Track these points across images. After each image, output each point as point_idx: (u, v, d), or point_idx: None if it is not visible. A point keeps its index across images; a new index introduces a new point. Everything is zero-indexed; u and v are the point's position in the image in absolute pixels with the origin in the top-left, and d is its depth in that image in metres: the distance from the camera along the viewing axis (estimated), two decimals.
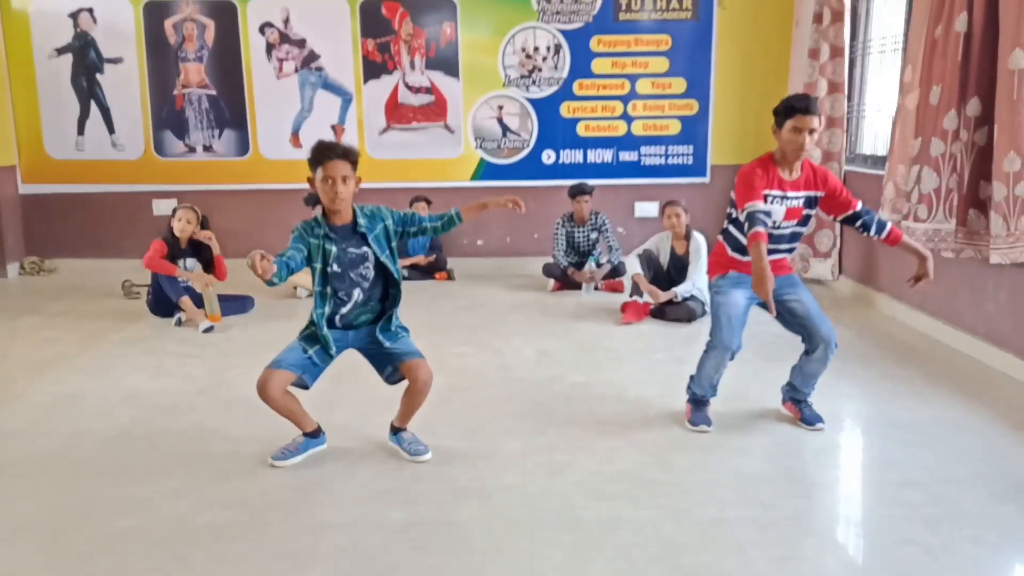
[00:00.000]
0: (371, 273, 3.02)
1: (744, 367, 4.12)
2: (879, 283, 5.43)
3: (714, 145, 6.78)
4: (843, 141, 5.82)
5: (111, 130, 6.71)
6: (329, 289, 3.00)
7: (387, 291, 3.10)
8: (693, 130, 6.75)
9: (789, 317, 3.31)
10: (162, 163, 6.77)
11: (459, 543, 2.53)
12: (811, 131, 3.08)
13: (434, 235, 3.21)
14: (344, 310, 3.04)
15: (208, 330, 4.96)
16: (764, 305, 3.20)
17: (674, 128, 6.76)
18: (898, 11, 5.34)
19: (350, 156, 2.91)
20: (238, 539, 2.57)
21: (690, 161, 6.80)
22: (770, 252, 3.19)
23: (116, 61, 6.61)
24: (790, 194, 3.17)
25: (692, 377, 3.44)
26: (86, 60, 6.60)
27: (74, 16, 6.53)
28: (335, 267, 2.96)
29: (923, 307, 4.84)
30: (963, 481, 2.90)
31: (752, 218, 3.06)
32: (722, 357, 3.29)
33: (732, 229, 3.29)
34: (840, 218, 3.24)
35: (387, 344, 3.05)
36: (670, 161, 6.81)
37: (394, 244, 3.07)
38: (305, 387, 3.06)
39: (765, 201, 3.12)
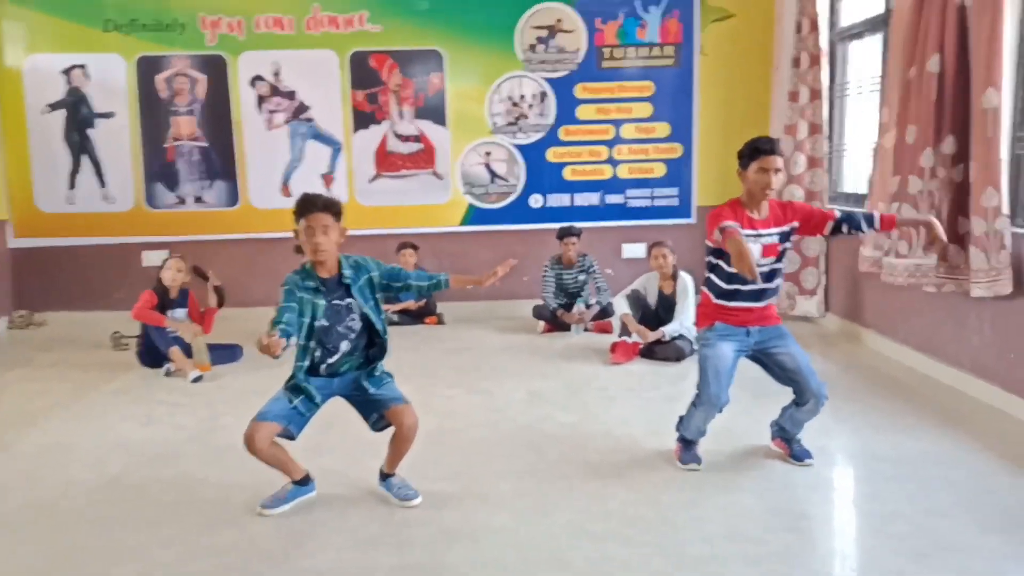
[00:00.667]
0: (357, 325, 3.06)
1: (733, 404, 4.11)
2: (865, 319, 5.49)
3: (699, 186, 6.89)
4: (825, 180, 5.93)
5: (102, 183, 6.78)
6: (314, 342, 3.02)
7: (371, 341, 3.12)
8: (678, 172, 6.87)
9: (779, 371, 3.34)
10: (153, 215, 6.83)
11: None
12: (776, 170, 3.16)
13: (417, 295, 3.26)
14: (331, 360, 3.07)
15: (197, 379, 4.97)
16: (753, 356, 3.25)
17: (659, 171, 6.87)
18: (875, 53, 5.49)
19: (332, 208, 2.96)
20: None
21: (676, 203, 6.90)
22: (753, 296, 3.26)
23: (108, 116, 6.70)
24: (762, 232, 3.23)
25: (681, 419, 3.46)
26: (78, 115, 6.69)
27: (67, 72, 6.64)
28: (323, 321, 2.98)
29: (908, 342, 4.89)
30: (948, 512, 2.91)
31: (723, 228, 3.05)
32: (709, 412, 3.31)
33: (713, 277, 3.33)
34: (826, 232, 3.30)
35: (372, 390, 3.08)
36: (656, 203, 6.91)
37: (378, 296, 3.10)
38: (291, 437, 3.07)
39: None
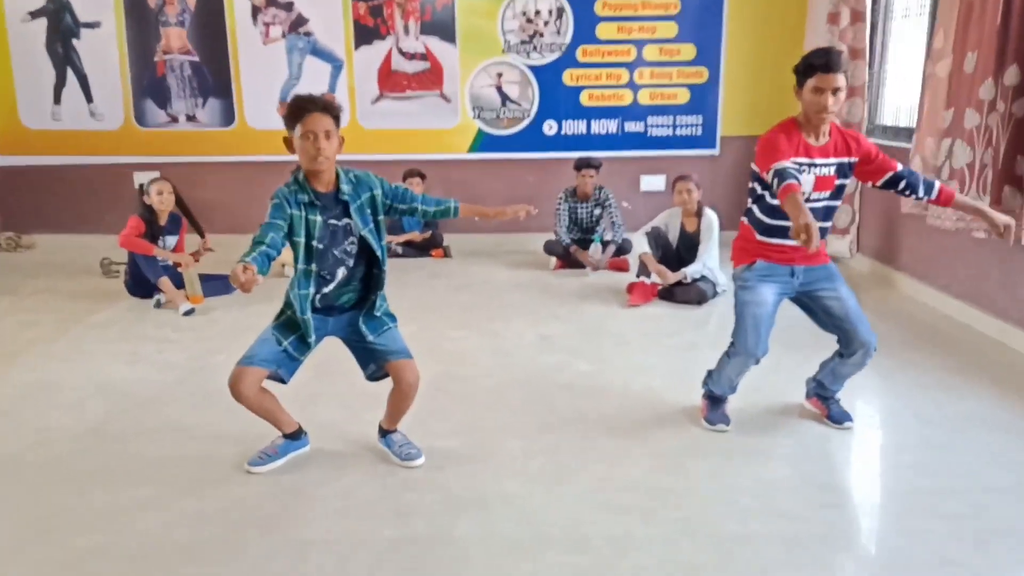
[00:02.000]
0: (355, 250, 2.70)
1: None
2: (900, 262, 5.15)
3: (724, 115, 6.45)
4: (863, 111, 5.50)
5: (89, 99, 6.38)
6: (315, 266, 2.66)
7: (370, 271, 2.77)
8: (702, 99, 6.42)
9: (824, 316, 3.00)
10: (143, 133, 6.44)
11: (455, 566, 2.28)
12: (835, 90, 2.73)
13: (423, 219, 2.90)
14: (326, 290, 2.71)
15: (189, 312, 4.69)
16: (797, 299, 2.93)
17: (682, 97, 6.43)
18: None
19: (332, 110, 2.59)
20: (213, 560, 2.31)
21: (699, 132, 6.47)
22: (785, 233, 2.88)
23: (93, 25, 6.26)
24: (818, 161, 2.83)
25: (710, 374, 3.17)
26: (61, 24, 6.24)
27: None
28: (318, 243, 2.62)
29: (949, 289, 4.57)
30: (1007, 490, 2.64)
31: (781, 174, 2.68)
32: (745, 363, 3.00)
33: (757, 210, 2.97)
34: (880, 183, 2.91)
35: (371, 337, 2.75)
36: (678, 132, 6.49)
37: (380, 218, 2.72)
38: (282, 382, 2.78)
39: None
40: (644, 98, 6.42)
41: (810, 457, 2.90)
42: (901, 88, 5.41)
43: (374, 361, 2.80)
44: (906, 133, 5.12)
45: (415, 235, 6.23)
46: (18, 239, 6.54)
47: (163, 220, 5.01)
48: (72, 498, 2.65)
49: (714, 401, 3.17)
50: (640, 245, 5.03)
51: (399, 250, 6.15)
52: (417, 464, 2.83)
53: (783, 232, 2.87)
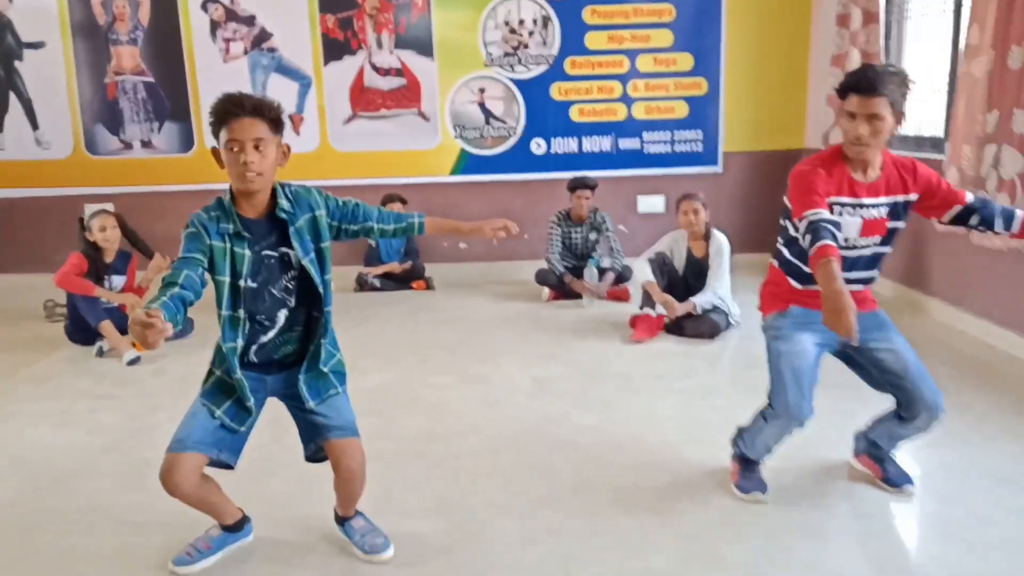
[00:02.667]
0: (295, 286, 2.14)
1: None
2: (930, 286, 4.64)
3: (727, 129, 5.96)
4: None
5: (34, 126, 5.83)
6: (242, 312, 2.11)
7: (311, 314, 2.20)
8: (702, 113, 5.94)
9: (877, 373, 2.48)
10: (94, 162, 5.90)
11: None
12: (870, 117, 2.22)
13: (381, 237, 2.32)
14: (264, 338, 2.15)
15: (134, 361, 4.12)
16: (842, 352, 2.41)
17: (680, 111, 5.94)
18: None
19: (266, 112, 2.03)
20: None
21: (699, 148, 5.98)
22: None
23: (37, 46, 5.73)
24: (866, 201, 2.34)
25: (741, 433, 2.63)
26: (2, 46, 5.72)
27: None
28: (250, 281, 2.09)
29: (990, 314, 4.06)
30: None
31: (815, 229, 2.18)
32: (787, 428, 2.46)
33: (789, 253, 2.47)
34: (946, 219, 2.41)
35: (311, 403, 2.18)
36: (677, 148, 5.99)
37: (325, 245, 2.16)
38: (228, 466, 2.20)
39: (831, 211, 2.29)
40: (639, 112, 5.93)
41: (874, 532, 2.36)
42: (923, 94, 4.93)
43: (312, 437, 2.22)
44: (931, 143, 4.65)
45: (394, 266, 5.70)
46: None
47: (109, 257, 4.47)
48: None
49: (747, 464, 2.62)
50: (642, 272, 4.50)
51: (376, 283, 5.62)
52: (384, 558, 2.27)
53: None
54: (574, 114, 5.94)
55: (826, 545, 2.29)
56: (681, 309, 4.31)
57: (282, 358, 2.20)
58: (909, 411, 2.46)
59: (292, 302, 2.15)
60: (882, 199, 2.35)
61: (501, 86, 5.88)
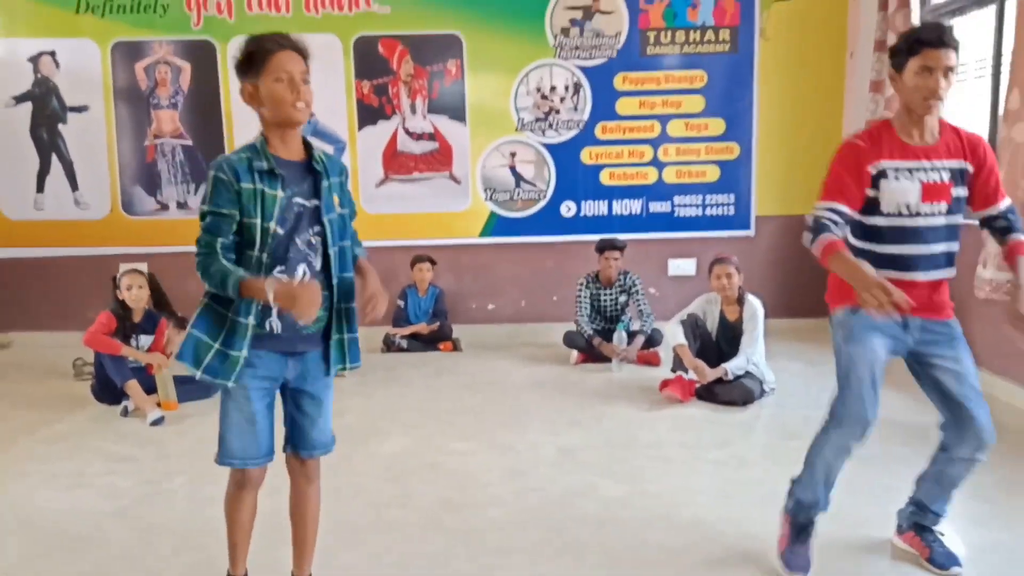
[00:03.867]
0: (319, 244, 2.06)
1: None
2: (975, 356, 4.45)
3: (759, 193, 5.90)
4: None
5: (74, 187, 5.96)
6: (266, 257, 1.99)
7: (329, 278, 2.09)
8: (734, 176, 5.89)
9: (934, 391, 2.36)
10: (131, 222, 5.99)
11: None
12: (947, 70, 2.19)
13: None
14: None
15: (158, 422, 4.08)
16: (908, 361, 2.34)
17: (712, 175, 5.90)
18: (983, 29, 4.50)
19: (304, 52, 2.01)
20: None
21: (731, 212, 5.91)
22: (913, 263, 2.28)
23: (80, 110, 5.89)
24: (923, 164, 2.25)
25: (796, 482, 2.49)
26: (47, 109, 5.89)
27: (34, 60, 5.84)
28: (276, 227, 1.97)
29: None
30: None
31: (817, 226, 2.22)
32: (851, 434, 2.30)
33: (851, 239, 2.36)
34: (979, 215, 2.33)
35: (311, 390, 2.13)
36: (708, 212, 5.94)
37: (344, 212, 2.12)
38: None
39: (883, 180, 2.24)
40: (670, 176, 5.90)
41: None
42: None
43: (297, 434, 2.17)
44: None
45: (422, 327, 5.65)
46: None
47: (137, 316, 4.48)
48: None
49: (798, 533, 2.46)
50: (674, 336, 4.39)
51: (403, 344, 5.57)
52: None
53: (888, 261, 2.28)
54: (604, 177, 5.92)
55: None
56: (712, 374, 4.18)
57: (310, 335, 2.08)
58: (959, 438, 2.32)
59: (315, 261, 2.05)
60: (944, 161, 2.26)
61: (532, 150, 5.90)
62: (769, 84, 5.80)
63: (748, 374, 4.23)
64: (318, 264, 2.07)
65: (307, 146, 2.08)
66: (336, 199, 2.08)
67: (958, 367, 2.30)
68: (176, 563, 2.61)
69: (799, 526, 2.47)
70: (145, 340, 4.51)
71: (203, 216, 1.99)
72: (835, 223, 2.22)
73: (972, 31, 4.70)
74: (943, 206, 2.27)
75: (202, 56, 5.82)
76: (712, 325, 4.45)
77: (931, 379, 2.34)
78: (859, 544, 2.62)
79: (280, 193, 1.97)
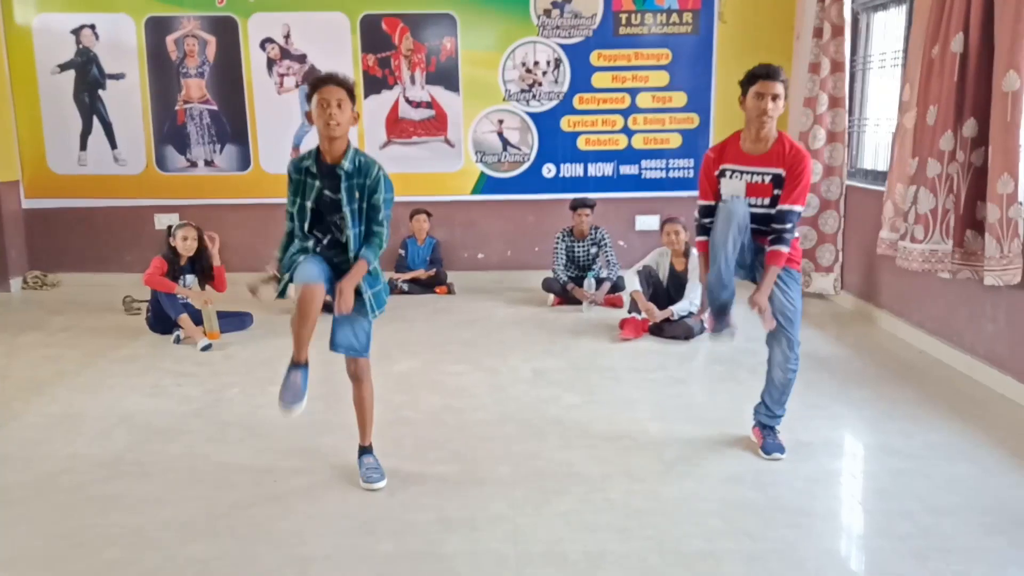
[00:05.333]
0: (341, 224, 2.93)
1: (737, 387, 4.12)
2: (880, 299, 5.40)
3: None
4: (844, 155, 5.79)
5: (113, 145, 6.75)
6: (306, 225, 2.95)
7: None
8: (694, 143, 6.73)
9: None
10: (164, 178, 6.80)
11: None
12: (774, 97, 3.07)
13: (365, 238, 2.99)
14: (322, 245, 2.99)
15: (206, 348, 4.98)
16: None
17: (675, 142, 6.75)
18: (898, 27, 5.31)
19: (346, 84, 2.89)
20: (224, 573, 2.57)
21: (691, 175, 6.77)
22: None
23: (118, 77, 6.65)
24: (751, 169, 3.13)
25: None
26: (88, 76, 6.64)
27: (76, 32, 6.57)
28: (317, 206, 2.93)
29: (923, 325, 4.81)
30: (954, 512, 2.87)
31: (697, 224, 3.29)
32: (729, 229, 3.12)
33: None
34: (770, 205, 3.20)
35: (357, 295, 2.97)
36: (671, 175, 6.80)
37: (366, 205, 2.92)
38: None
39: (723, 178, 3.17)
40: (638, 143, 6.74)
41: (775, 482, 3.14)
42: (879, 135, 5.71)
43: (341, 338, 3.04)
44: (883, 177, 5.40)
45: (420, 273, 6.53)
46: (44, 277, 6.88)
47: (183, 260, 5.33)
48: (98, 518, 2.91)
49: (720, 315, 3.27)
50: (632, 283, 5.31)
51: (405, 287, 6.45)
52: (378, 487, 3.08)
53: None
54: (581, 143, 6.75)
55: (738, 487, 3.08)
56: (660, 315, 5.11)
57: (337, 263, 2.97)
58: (773, 342, 3.29)
59: (340, 237, 2.95)
60: (766, 168, 3.11)
61: (518, 118, 6.71)
62: (726, 62, 6.59)
63: (691, 314, 5.15)
64: (342, 238, 2.97)
65: (345, 155, 2.92)
66: (357, 194, 2.92)
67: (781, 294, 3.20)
68: (243, 447, 3.53)
69: (719, 314, 3.28)
70: (190, 279, 5.37)
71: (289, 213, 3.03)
72: (704, 226, 3.24)
73: (891, 25, 5.51)
74: (764, 202, 3.13)
75: (226, 30, 6.56)
76: (663, 274, 5.36)
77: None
78: (747, 436, 3.56)
79: (317, 184, 2.93)
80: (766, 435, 3.40)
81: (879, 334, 5.18)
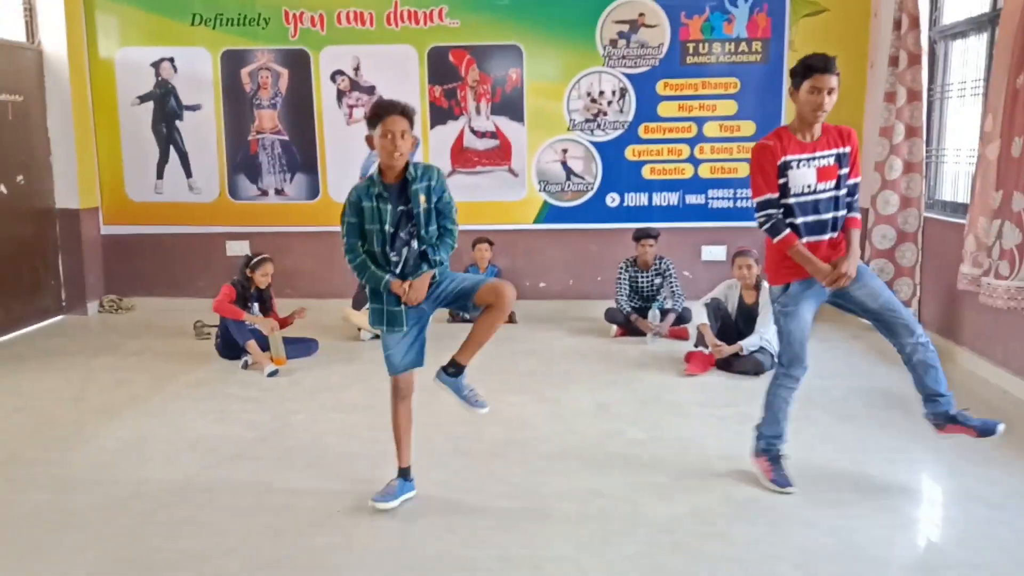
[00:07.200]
0: (416, 231, 3.03)
1: (811, 427, 3.98)
2: (961, 336, 5.17)
3: None
4: (922, 186, 5.60)
5: (188, 174, 6.95)
6: (390, 251, 3.02)
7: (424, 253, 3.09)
8: None
9: (861, 310, 3.19)
10: (236, 205, 6.97)
11: None
12: (829, 91, 3.02)
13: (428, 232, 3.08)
14: (398, 264, 3.05)
15: (273, 374, 5.05)
16: (833, 302, 3.20)
17: (743, 171, 6.62)
18: (978, 55, 5.14)
19: (408, 112, 2.96)
20: None
21: None
22: (814, 229, 3.13)
23: (195, 108, 6.87)
24: (815, 155, 3.10)
25: (758, 428, 3.38)
26: (166, 107, 6.87)
27: (156, 65, 6.82)
28: (391, 227, 2.99)
29: (1007, 364, 4.58)
30: None
31: (769, 220, 3.12)
32: (794, 377, 3.26)
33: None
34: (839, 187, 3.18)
35: (443, 285, 3.10)
36: (738, 205, 6.68)
37: (432, 205, 3.03)
38: (420, 364, 3.20)
39: (789, 170, 3.08)
40: (705, 172, 6.65)
41: (852, 528, 3.00)
42: (958, 165, 5.50)
43: (463, 300, 3.15)
44: (963, 208, 5.20)
45: None
46: (119, 301, 7.09)
47: (253, 288, 5.44)
48: (165, 543, 2.95)
49: (773, 460, 3.30)
50: (699, 316, 5.20)
51: (467, 316, 6.43)
52: (483, 412, 3.19)
53: (809, 228, 3.13)
54: (646, 172, 6.69)
55: (813, 532, 2.95)
56: (728, 351, 4.98)
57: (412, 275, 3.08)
58: (891, 332, 3.16)
59: (414, 243, 3.04)
60: (827, 151, 3.10)
61: (582, 147, 6.70)
62: None
63: (761, 349, 5.01)
64: (415, 244, 3.05)
65: (406, 168, 3.00)
66: (422, 197, 3.01)
67: (869, 288, 3.14)
68: (308, 473, 3.55)
69: (772, 457, 3.30)
70: (256, 308, 5.47)
71: (341, 222, 3.07)
72: (779, 219, 3.10)
73: (971, 53, 5.33)
74: (832, 184, 3.11)
75: (298, 63, 6.73)
76: (732, 307, 5.24)
77: (856, 303, 3.17)
78: (822, 476, 3.42)
79: (388, 207, 3.00)
80: (776, 466, 3.30)
81: (959, 372, 4.95)
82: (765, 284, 5.14)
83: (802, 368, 3.23)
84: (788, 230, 3.10)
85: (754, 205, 3.19)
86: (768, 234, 3.15)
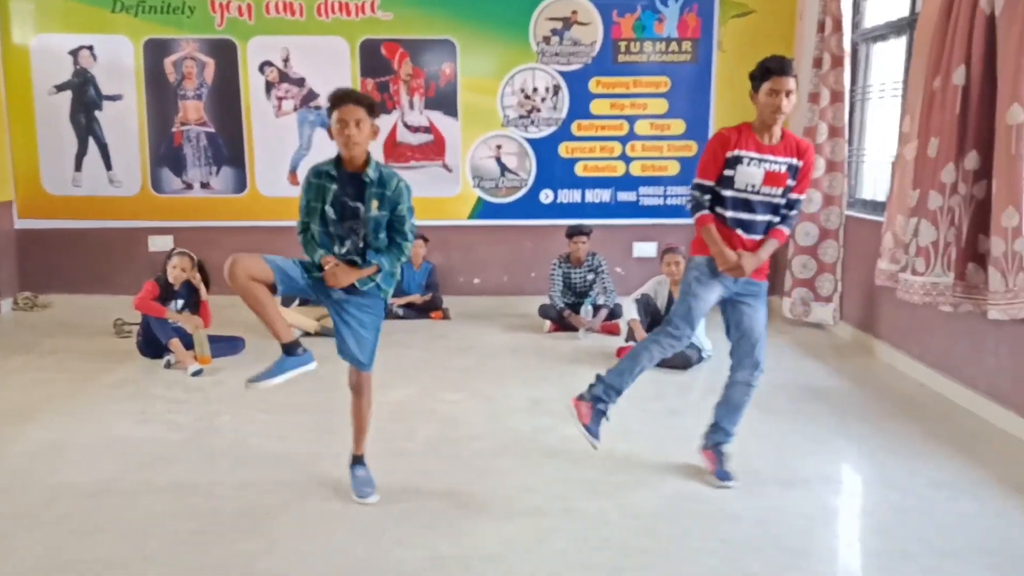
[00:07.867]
0: (362, 231, 2.97)
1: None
2: (879, 330, 5.35)
3: None
4: (844, 185, 5.78)
5: (108, 166, 6.71)
6: (331, 229, 2.97)
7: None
8: (692, 171, 6.65)
9: (733, 322, 3.28)
10: (159, 199, 6.76)
11: None
12: (787, 93, 3.06)
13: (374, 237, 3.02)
14: (337, 252, 3.00)
15: (197, 373, 4.90)
16: (726, 301, 3.25)
17: (673, 169, 6.73)
18: (898, 58, 5.32)
19: (364, 101, 2.91)
20: None
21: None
22: (743, 225, 3.17)
23: (115, 98, 6.62)
24: (769, 157, 3.14)
25: (607, 373, 3.37)
26: (85, 97, 6.61)
27: (74, 53, 6.55)
28: (331, 212, 2.94)
29: (923, 358, 4.76)
30: (959, 554, 2.81)
31: (694, 200, 3.20)
32: (671, 344, 3.27)
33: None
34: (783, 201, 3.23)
35: (351, 312, 3.04)
36: (668, 202, 6.78)
37: (385, 214, 2.96)
38: (273, 290, 2.94)
39: (739, 164, 3.12)
40: (636, 170, 6.73)
41: (775, 520, 3.07)
42: (879, 165, 5.69)
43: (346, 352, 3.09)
44: (882, 207, 5.37)
45: (416, 298, 6.47)
46: (35, 299, 6.80)
47: (176, 285, 5.27)
48: (83, 551, 2.83)
49: (599, 410, 3.32)
50: (630, 311, 5.26)
51: (400, 312, 6.38)
52: (370, 502, 3.13)
53: (738, 223, 3.19)
54: (579, 169, 6.73)
55: (737, 526, 3.01)
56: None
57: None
58: (739, 359, 3.26)
59: (359, 242, 2.97)
60: (781, 158, 3.14)
61: (516, 143, 6.70)
62: (724, 90, 6.60)
63: (690, 344, 5.09)
64: (361, 244, 2.99)
65: (367, 164, 2.95)
66: (375, 203, 2.96)
67: (756, 313, 3.24)
68: (233, 476, 3.46)
69: (597, 410, 3.32)
70: (180, 304, 5.30)
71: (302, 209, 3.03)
72: (705, 204, 3.18)
73: (891, 56, 5.52)
74: (778, 191, 3.15)
75: (225, 53, 6.55)
76: (662, 303, 5.31)
77: (736, 314, 3.26)
78: (748, 472, 3.49)
79: (334, 188, 2.94)
80: (720, 460, 3.37)
81: (878, 366, 5.13)
82: None
83: (685, 334, 3.23)
84: (707, 211, 3.17)
85: (692, 183, 3.27)
86: (690, 210, 3.24)
